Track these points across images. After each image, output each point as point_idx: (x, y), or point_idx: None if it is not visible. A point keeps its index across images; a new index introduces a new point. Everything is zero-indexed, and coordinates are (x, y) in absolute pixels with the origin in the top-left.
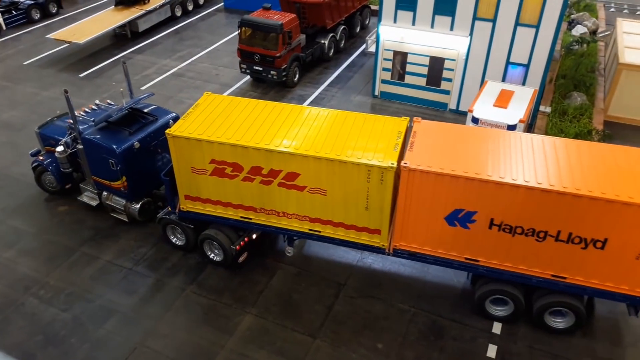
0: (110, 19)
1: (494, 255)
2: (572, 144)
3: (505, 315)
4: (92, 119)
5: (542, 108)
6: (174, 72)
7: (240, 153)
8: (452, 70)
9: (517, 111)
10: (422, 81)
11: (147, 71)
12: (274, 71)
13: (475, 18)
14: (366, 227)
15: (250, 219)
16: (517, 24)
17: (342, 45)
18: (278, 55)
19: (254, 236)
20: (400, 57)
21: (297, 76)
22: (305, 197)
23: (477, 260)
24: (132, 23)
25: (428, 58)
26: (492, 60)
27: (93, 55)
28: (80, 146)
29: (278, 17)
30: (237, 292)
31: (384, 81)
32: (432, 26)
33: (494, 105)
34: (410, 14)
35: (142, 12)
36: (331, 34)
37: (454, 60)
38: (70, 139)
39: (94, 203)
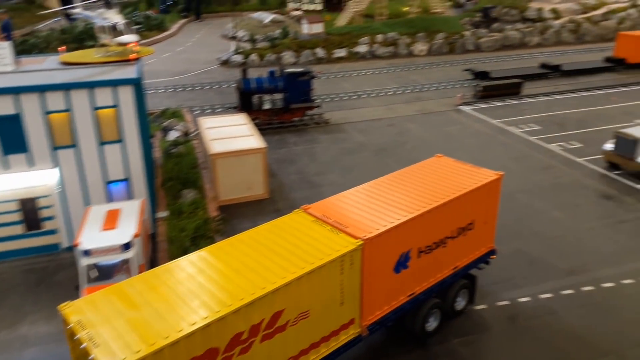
0: None
1: None
2: None
3: None
4: None
5: (159, 215)
6: None
7: (214, 333)
8: (50, 207)
9: (128, 227)
10: (19, 229)
11: None
12: None
13: (55, 148)
14: (343, 324)
15: None
16: (101, 143)
17: None
18: None
19: None
20: None
21: None
22: (288, 335)
23: None
24: None
25: (17, 202)
26: (90, 183)
27: None
28: None
29: None
30: None
31: None
32: (8, 167)
33: (103, 230)
34: None
35: None
36: None
37: (49, 195)
38: None
39: None
